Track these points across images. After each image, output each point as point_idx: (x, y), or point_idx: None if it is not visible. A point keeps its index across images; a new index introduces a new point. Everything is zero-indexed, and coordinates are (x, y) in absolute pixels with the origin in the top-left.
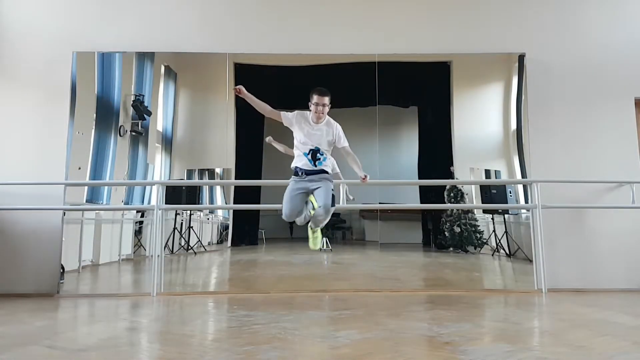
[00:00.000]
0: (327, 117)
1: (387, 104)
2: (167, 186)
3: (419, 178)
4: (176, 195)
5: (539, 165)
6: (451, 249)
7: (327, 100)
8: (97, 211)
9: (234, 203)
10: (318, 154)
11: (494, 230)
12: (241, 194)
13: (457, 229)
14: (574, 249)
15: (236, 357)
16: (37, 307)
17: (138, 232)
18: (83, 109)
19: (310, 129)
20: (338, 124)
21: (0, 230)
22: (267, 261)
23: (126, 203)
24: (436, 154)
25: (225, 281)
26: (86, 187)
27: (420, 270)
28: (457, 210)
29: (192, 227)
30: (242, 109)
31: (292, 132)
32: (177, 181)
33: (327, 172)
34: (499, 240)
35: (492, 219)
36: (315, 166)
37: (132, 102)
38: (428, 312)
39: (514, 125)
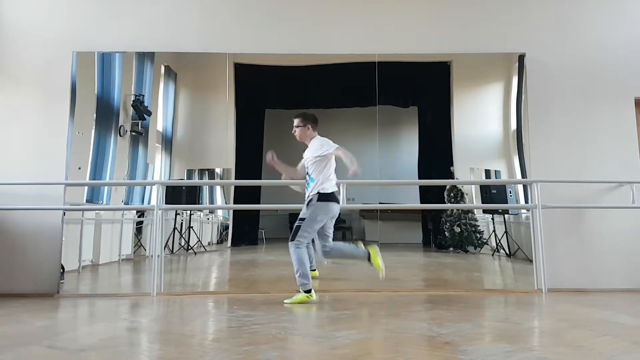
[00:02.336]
0: (317, 136)
1: (387, 104)
2: (167, 186)
3: (419, 178)
4: (176, 195)
5: (539, 165)
6: (451, 249)
7: (295, 122)
8: (97, 211)
9: (234, 203)
10: (307, 177)
11: (494, 230)
12: (241, 194)
13: (457, 229)
14: (574, 249)
15: (236, 357)
16: (37, 307)
17: (138, 232)
18: (83, 109)
19: (305, 152)
20: (323, 138)
21: (0, 230)
22: (267, 261)
23: (126, 203)
24: (436, 154)
25: (225, 281)
26: (86, 187)
27: (420, 270)
28: (457, 210)
29: (192, 227)
30: (242, 109)
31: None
32: (177, 181)
33: (313, 196)
34: (499, 240)
35: (492, 219)
36: (307, 186)
37: (132, 102)
38: (428, 312)
39: (514, 125)
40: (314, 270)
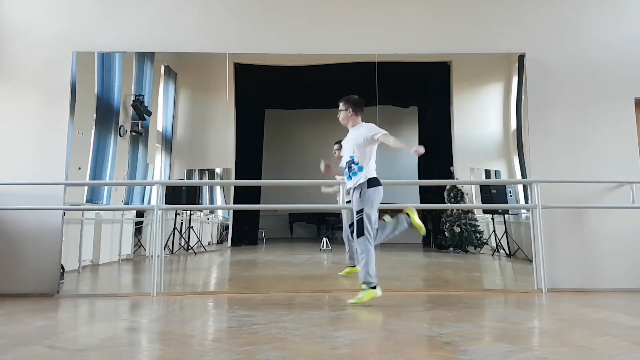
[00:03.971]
0: (361, 122)
1: (387, 104)
2: (167, 186)
3: (419, 178)
4: (176, 195)
5: (539, 165)
6: (451, 249)
7: (340, 105)
8: (97, 211)
9: (234, 203)
10: (352, 165)
11: (494, 230)
12: (241, 194)
13: (457, 229)
14: (574, 249)
15: (236, 357)
16: (37, 307)
17: (138, 232)
18: (83, 109)
19: (345, 140)
20: (369, 124)
21: (0, 230)
22: (267, 261)
23: (126, 203)
24: (436, 154)
25: (225, 281)
26: (86, 187)
27: (420, 270)
28: (457, 210)
29: (192, 227)
30: (242, 109)
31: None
32: (177, 181)
33: (362, 185)
34: (499, 240)
35: (492, 219)
36: (351, 178)
37: (132, 102)
38: (428, 312)
39: (514, 125)
40: (354, 266)
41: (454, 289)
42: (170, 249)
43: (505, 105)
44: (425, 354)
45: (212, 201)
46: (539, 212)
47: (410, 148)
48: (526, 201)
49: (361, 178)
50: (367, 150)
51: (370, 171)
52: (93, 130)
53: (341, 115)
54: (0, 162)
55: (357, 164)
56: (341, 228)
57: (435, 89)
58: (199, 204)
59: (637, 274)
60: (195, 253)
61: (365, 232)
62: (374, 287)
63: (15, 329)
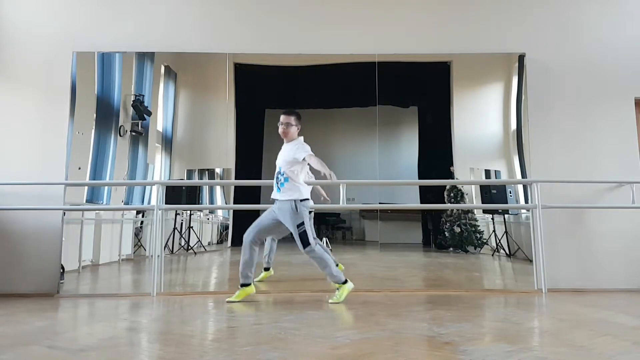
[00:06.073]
0: (299, 138)
1: (387, 104)
2: (167, 186)
3: (419, 178)
4: (176, 195)
5: (539, 165)
6: (451, 249)
7: (291, 119)
8: (97, 211)
9: (234, 203)
10: (279, 176)
11: (494, 230)
12: (241, 194)
13: (457, 229)
14: (574, 249)
15: (236, 357)
16: (37, 307)
17: (138, 232)
18: (83, 109)
19: (282, 150)
20: (302, 143)
21: (0, 230)
22: None
23: (126, 203)
24: (436, 154)
25: (225, 281)
26: (86, 187)
27: (420, 270)
28: (457, 210)
29: (192, 227)
30: (242, 109)
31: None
32: (177, 181)
33: (288, 200)
34: (499, 240)
35: (492, 219)
36: (279, 190)
37: (132, 102)
38: (428, 312)
39: (514, 125)
40: (268, 269)
41: (454, 289)
42: (170, 249)
43: (505, 105)
44: (425, 354)
45: (212, 201)
46: (539, 212)
47: (324, 170)
48: (526, 201)
49: (286, 193)
50: (298, 167)
51: (302, 190)
52: (93, 130)
53: (291, 130)
54: (0, 162)
55: (284, 175)
56: (341, 228)
57: (435, 89)
58: (199, 204)
59: (637, 274)
60: (195, 253)
61: (311, 240)
62: (345, 282)
63: (15, 329)
